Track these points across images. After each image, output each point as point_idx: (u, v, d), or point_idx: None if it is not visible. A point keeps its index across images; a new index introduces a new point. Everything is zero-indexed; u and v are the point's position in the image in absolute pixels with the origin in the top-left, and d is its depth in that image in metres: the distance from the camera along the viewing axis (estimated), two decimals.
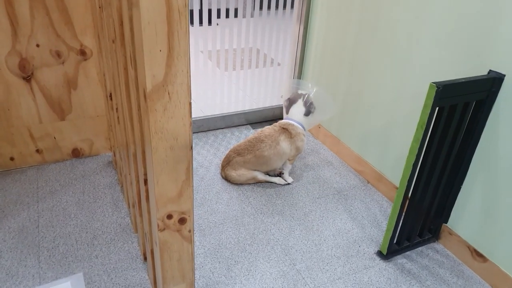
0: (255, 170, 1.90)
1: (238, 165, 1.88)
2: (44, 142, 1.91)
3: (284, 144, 1.86)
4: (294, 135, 1.88)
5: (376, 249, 1.60)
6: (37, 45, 1.71)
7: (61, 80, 1.82)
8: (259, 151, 1.84)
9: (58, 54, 1.77)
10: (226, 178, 1.93)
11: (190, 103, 0.89)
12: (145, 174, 1.10)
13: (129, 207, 1.64)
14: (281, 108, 2.55)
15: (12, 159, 1.87)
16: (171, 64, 0.82)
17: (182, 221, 1.03)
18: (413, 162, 1.33)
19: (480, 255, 1.49)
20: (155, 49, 0.80)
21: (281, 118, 2.58)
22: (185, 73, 0.85)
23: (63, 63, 1.79)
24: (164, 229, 1.01)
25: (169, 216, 1.00)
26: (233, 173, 1.89)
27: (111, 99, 1.63)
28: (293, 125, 1.90)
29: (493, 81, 1.30)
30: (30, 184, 1.79)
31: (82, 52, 1.81)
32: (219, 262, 1.48)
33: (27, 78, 1.76)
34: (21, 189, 1.75)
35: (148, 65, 0.81)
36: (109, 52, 1.40)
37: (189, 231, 1.06)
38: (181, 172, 0.96)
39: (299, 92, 2.00)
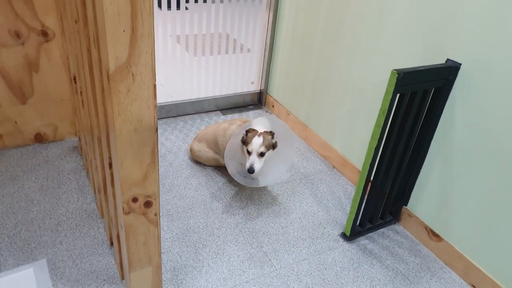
0: (216, 152, 1.90)
1: (200, 139, 1.91)
2: (4, 126, 1.83)
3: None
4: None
5: (340, 231, 1.66)
6: None
7: (21, 62, 1.75)
8: (217, 133, 1.84)
9: (18, 35, 1.69)
10: (190, 152, 1.95)
11: (154, 85, 0.89)
12: (110, 158, 1.09)
13: (95, 192, 1.62)
14: (251, 94, 2.56)
15: None
16: (134, 45, 0.82)
17: (147, 204, 1.03)
18: (374, 147, 1.38)
19: (436, 235, 1.58)
20: (118, 29, 0.79)
21: (251, 105, 2.59)
22: (149, 55, 0.84)
23: (23, 44, 1.72)
24: (129, 212, 1.01)
25: (134, 199, 1.00)
26: (195, 146, 1.91)
27: (75, 82, 1.58)
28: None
29: (450, 70, 1.36)
30: None
31: (44, 33, 1.74)
32: (187, 246, 1.49)
33: None
34: None
35: (111, 46, 0.80)
36: (72, 33, 1.36)
37: (155, 214, 1.06)
38: (146, 155, 0.96)
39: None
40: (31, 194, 1.62)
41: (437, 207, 1.56)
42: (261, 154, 1.62)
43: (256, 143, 1.60)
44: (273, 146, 1.67)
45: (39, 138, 1.94)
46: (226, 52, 2.53)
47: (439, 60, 1.42)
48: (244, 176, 1.72)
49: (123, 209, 1.00)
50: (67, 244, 1.42)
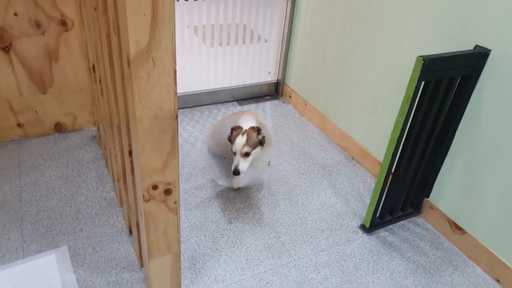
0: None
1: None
2: (25, 115, 1.86)
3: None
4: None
5: (359, 223, 1.64)
6: (15, 14, 1.65)
7: (41, 52, 1.76)
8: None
9: (38, 24, 1.71)
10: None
11: (175, 71, 0.87)
12: (130, 146, 1.08)
13: (114, 181, 1.63)
14: (268, 84, 2.53)
15: None
16: (155, 29, 0.80)
17: (167, 192, 1.03)
18: (397, 137, 1.34)
19: (459, 228, 1.54)
20: (139, 12, 0.78)
21: (267, 95, 2.57)
22: (170, 39, 0.83)
23: (43, 33, 1.73)
24: (149, 199, 1.01)
25: (155, 187, 1.00)
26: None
27: (94, 71, 1.59)
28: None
29: (479, 56, 1.31)
30: (11, 159, 1.75)
31: (63, 23, 1.75)
32: (205, 236, 1.49)
33: (6, 49, 1.69)
34: (2, 163, 1.71)
35: (131, 30, 0.79)
36: (92, 21, 1.35)
37: (175, 202, 1.05)
38: (166, 142, 0.95)
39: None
40: (52, 183, 1.64)
41: (461, 200, 1.52)
42: (246, 154, 1.48)
43: (239, 143, 1.47)
44: (261, 143, 1.52)
45: (59, 128, 1.96)
46: (243, 43, 2.50)
47: (467, 46, 1.37)
48: (227, 176, 1.64)
49: (143, 196, 1.00)
50: (87, 231, 1.44)
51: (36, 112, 1.87)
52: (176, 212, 1.07)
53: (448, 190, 1.56)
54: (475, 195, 1.46)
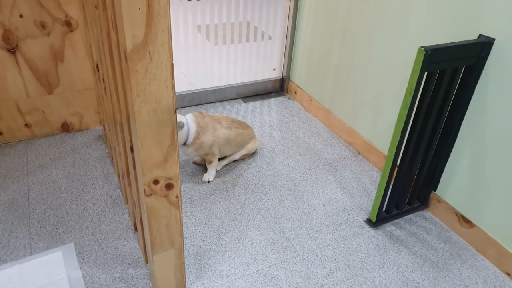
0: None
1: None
2: (33, 116, 1.89)
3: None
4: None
5: (365, 217, 1.62)
6: (21, 16, 1.67)
7: (47, 52, 1.79)
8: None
9: (43, 25, 1.73)
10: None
11: (172, 65, 0.88)
12: (131, 141, 1.09)
13: (119, 179, 1.64)
14: (273, 81, 2.53)
15: (0, 133, 1.86)
16: (151, 23, 0.81)
17: (169, 186, 1.03)
18: (401, 129, 1.33)
19: (467, 221, 1.52)
20: (134, 7, 0.78)
21: (272, 92, 2.56)
22: (166, 33, 0.83)
23: (48, 34, 1.76)
24: (151, 194, 1.02)
25: (156, 182, 1.00)
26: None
27: (98, 70, 1.60)
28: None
29: (483, 46, 1.28)
30: (19, 158, 1.78)
31: (68, 23, 1.77)
32: (210, 231, 1.50)
33: (12, 50, 1.72)
34: (10, 163, 1.74)
35: (127, 24, 0.79)
36: (93, 20, 1.37)
37: (176, 196, 1.06)
38: (165, 137, 0.95)
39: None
40: (59, 181, 1.67)
41: (469, 192, 1.49)
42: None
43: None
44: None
45: (66, 127, 1.99)
46: (247, 40, 2.50)
47: (471, 36, 1.35)
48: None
49: (145, 191, 1.00)
50: (93, 228, 1.45)
51: (43, 112, 1.90)
52: (178, 206, 1.08)
53: (456, 183, 1.53)
54: (483, 187, 1.43)
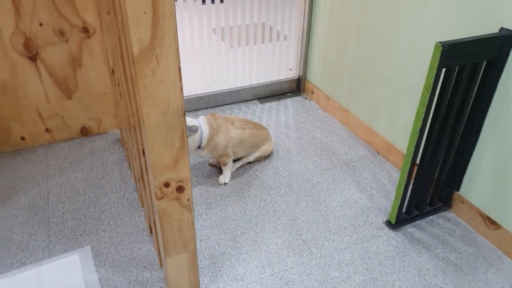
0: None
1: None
2: (53, 121, 1.93)
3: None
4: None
5: (385, 219, 1.58)
6: (40, 24, 1.71)
7: (66, 59, 1.83)
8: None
9: (62, 32, 1.77)
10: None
11: (179, 67, 0.87)
12: (143, 145, 1.09)
13: (135, 182, 1.66)
14: (290, 81, 2.50)
15: (23, 138, 1.91)
16: (157, 26, 0.80)
17: (180, 189, 1.03)
18: (419, 128, 1.28)
19: (492, 222, 1.45)
20: (139, 10, 0.78)
21: (289, 92, 2.54)
22: (172, 36, 0.83)
23: (67, 41, 1.79)
24: (162, 197, 1.01)
25: (167, 185, 1.00)
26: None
27: (113, 74, 1.62)
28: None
29: (505, 39, 1.23)
30: (40, 163, 1.82)
31: (85, 30, 1.81)
32: (225, 234, 1.49)
33: (33, 58, 1.77)
34: (31, 167, 1.79)
35: (133, 28, 0.79)
36: (108, 26, 1.39)
37: (188, 199, 1.05)
38: (175, 139, 0.95)
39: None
40: (78, 185, 1.70)
41: (494, 192, 1.43)
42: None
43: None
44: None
45: (85, 132, 2.02)
46: (263, 42, 2.49)
47: (492, 30, 1.29)
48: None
49: (156, 194, 1.00)
50: (109, 231, 1.47)
51: (63, 117, 1.94)
52: (190, 209, 1.07)
53: (480, 182, 1.47)
54: (509, 186, 1.37)
